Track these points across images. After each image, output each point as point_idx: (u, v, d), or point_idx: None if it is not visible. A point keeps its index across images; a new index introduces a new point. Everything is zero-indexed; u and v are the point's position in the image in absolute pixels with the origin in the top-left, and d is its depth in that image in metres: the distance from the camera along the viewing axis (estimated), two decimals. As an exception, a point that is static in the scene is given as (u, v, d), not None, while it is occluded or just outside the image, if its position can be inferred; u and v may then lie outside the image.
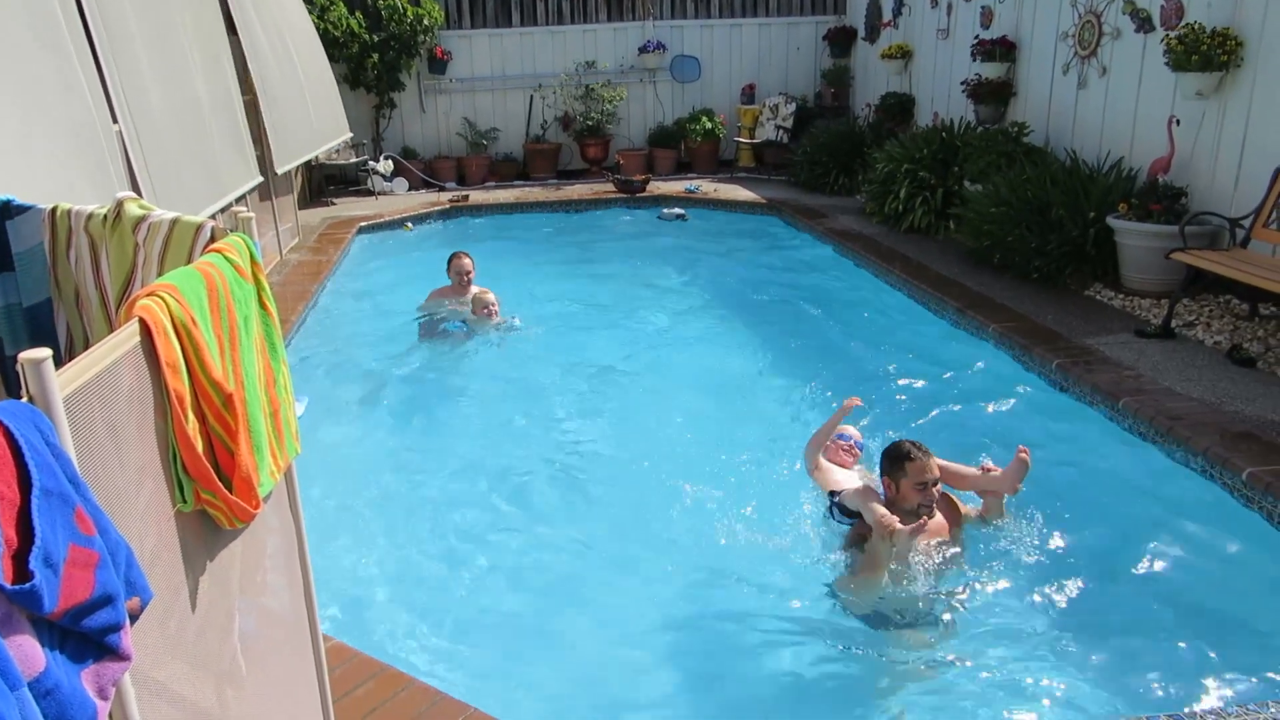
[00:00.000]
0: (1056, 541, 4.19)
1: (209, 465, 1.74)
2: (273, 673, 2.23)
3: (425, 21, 12.79)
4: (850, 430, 4.92)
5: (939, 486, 3.98)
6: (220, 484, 1.77)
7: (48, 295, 2.30)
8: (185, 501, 1.72)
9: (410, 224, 11.22)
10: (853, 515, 4.14)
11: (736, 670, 3.74)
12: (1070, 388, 5.72)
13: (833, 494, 4.31)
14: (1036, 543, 4.17)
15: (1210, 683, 3.40)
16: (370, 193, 12.66)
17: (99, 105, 4.85)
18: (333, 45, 12.10)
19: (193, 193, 6.25)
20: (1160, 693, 3.37)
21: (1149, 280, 7.07)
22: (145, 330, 1.61)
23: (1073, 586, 3.93)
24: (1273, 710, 3.01)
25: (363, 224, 10.87)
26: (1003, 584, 3.96)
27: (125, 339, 1.57)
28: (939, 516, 4.02)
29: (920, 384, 6.13)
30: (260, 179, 8.26)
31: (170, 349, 1.65)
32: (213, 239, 2.02)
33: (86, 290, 2.23)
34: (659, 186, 12.64)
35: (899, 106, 11.97)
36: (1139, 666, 3.50)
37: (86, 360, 1.46)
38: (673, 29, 14.01)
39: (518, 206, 12.07)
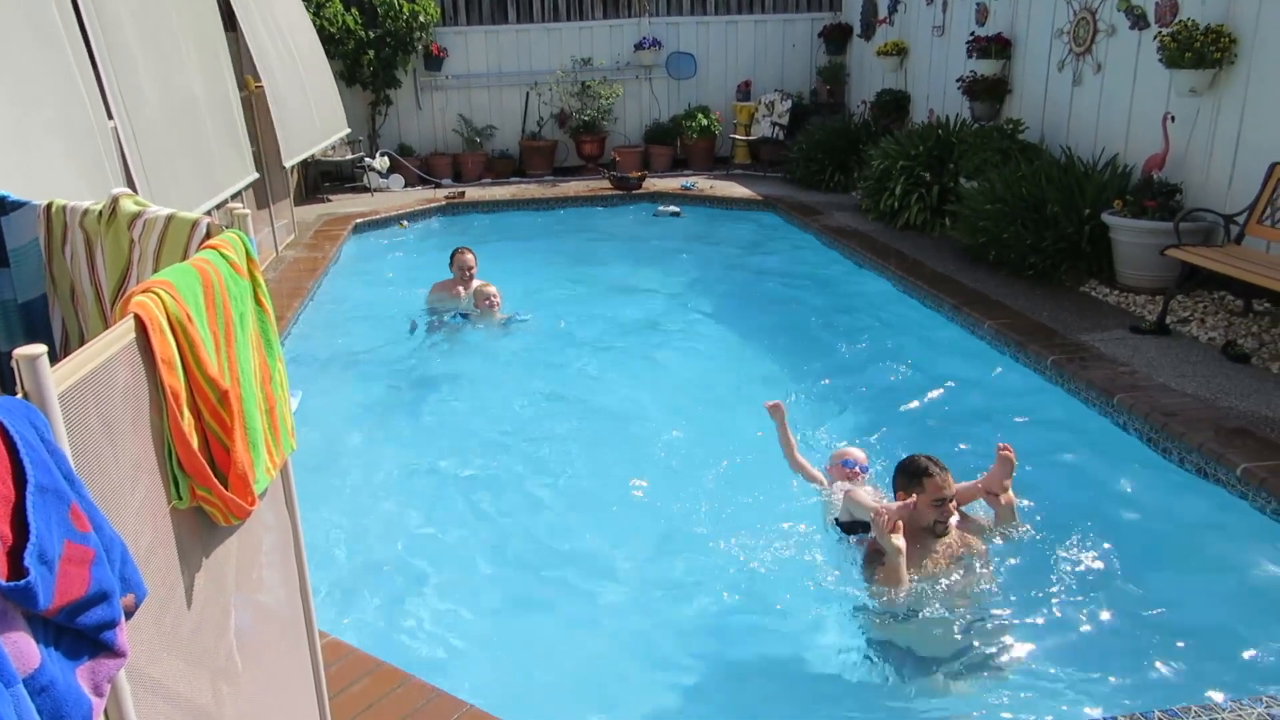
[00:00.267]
0: (1049, 538, 4.20)
1: (204, 462, 1.74)
2: (268, 669, 2.23)
3: (421, 18, 12.76)
4: (855, 455, 4.69)
5: (955, 504, 3.90)
6: (216, 480, 1.77)
7: (43, 291, 2.30)
8: (181, 498, 1.72)
9: (405, 221, 11.20)
10: (857, 529, 4.09)
11: (736, 669, 3.73)
12: (1065, 384, 5.73)
13: (836, 521, 4.25)
14: (1030, 540, 4.18)
15: (1203, 678, 3.42)
16: (366, 189, 12.64)
17: (94, 102, 4.84)
18: (328, 42, 12.07)
19: (188, 189, 6.24)
20: (1152, 688, 3.38)
21: (1144, 277, 7.08)
22: (141, 326, 1.61)
23: (1064, 583, 3.94)
24: (1266, 705, 3.02)
25: (358, 221, 10.85)
26: (999, 581, 3.97)
27: (120, 335, 1.56)
28: (954, 532, 3.95)
29: (915, 381, 6.13)
30: (257, 175, 8.25)
31: (166, 345, 1.65)
32: (208, 235, 2.02)
33: (82, 286, 2.23)
34: (655, 183, 12.63)
35: (894, 103, 11.97)
36: (1132, 663, 3.51)
37: (82, 356, 1.46)
38: (668, 26, 14.00)
39: (514, 203, 12.06)
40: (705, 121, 13.61)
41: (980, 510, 4.30)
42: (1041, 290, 7.37)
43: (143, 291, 1.65)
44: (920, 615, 3.72)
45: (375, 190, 12.61)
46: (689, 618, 4.02)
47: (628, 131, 14.16)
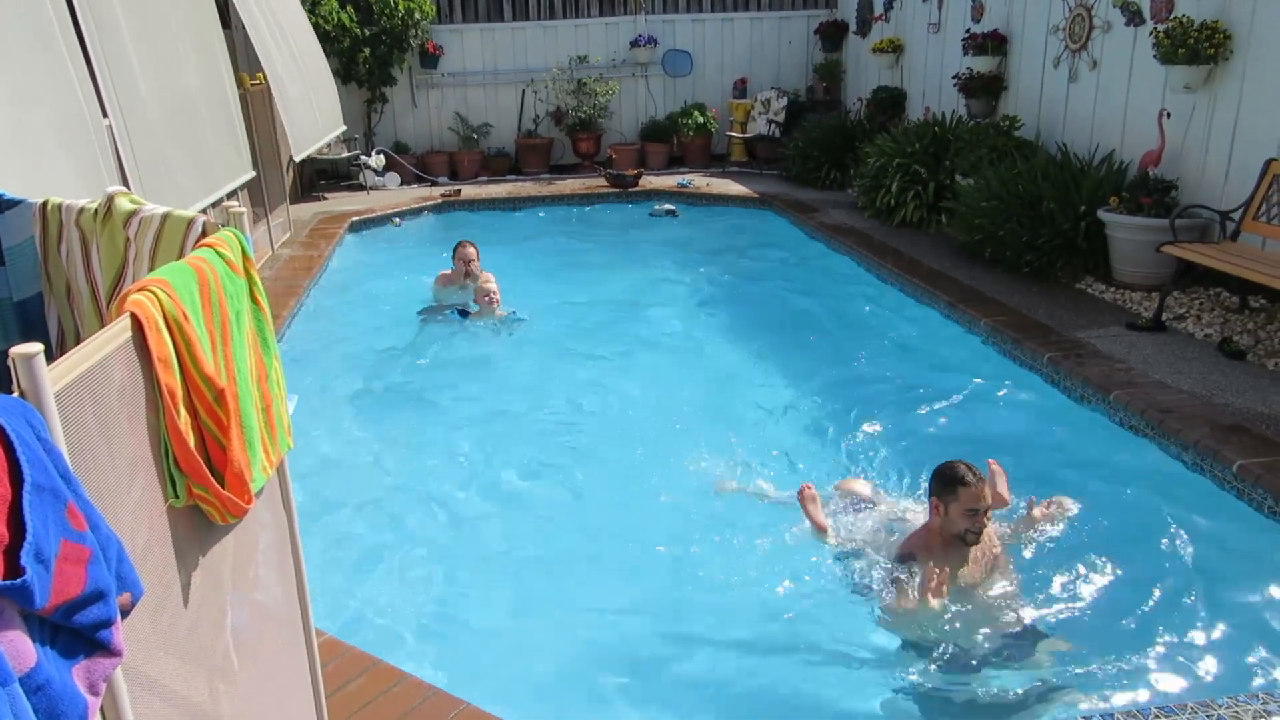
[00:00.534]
0: (1045, 534, 4.20)
1: (201, 460, 1.74)
2: (265, 668, 2.23)
3: (416, 16, 12.75)
4: (860, 490, 4.54)
5: (990, 515, 3.80)
6: (212, 479, 1.77)
7: (39, 290, 2.29)
8: (177, 497, 1.72)
9: (399, 219, 11.18)
10: (857, 553, 4.04)
11: (735, 670, 3.73)
12: (1061, 381, 5.74)
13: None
14: (1025, 537, 4.18)
15: (1199, 674, 3.43)
16: (362, 187, 12.63)
17: (89, 100, 4.83)
18: (324, 39, 12.04)
19: (184, 187, 6.23)
20: (1149, 685, 3.38)
21: (1140, 273, 7.09)
22: (137, 325, 1.61)
23: (1057, 581, 3.94)
24: (1262, 701, 3.03)
25: (354, 219, 10.84)
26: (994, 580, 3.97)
27: (117, 334, 1.56)
28: (990, 540, 3.90)
29: (911, 379, 6.14)
30: (254, 173, 8.24)
31: (162, 344, 1.64)
32: (204, 233, 2.02)
33: (78, 285, 2.23)
34: (651, 181, 12.63)
35: (890, 101, 11.97)
36: (1127, 660, 3.51)
37: (78, 355, 1.46)
38: (664, 23, 13.99)
39: (510, 201, 12.05)
40: (701, 119, 13.61)
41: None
42: (1037, 287, 7.38)
43: (139, 290, 1.65)
44: (952, 623, 3.68)
45: (371, 188, 12.59)
46: (688, 618, 4.01)
47: (624, 129, 14.15)
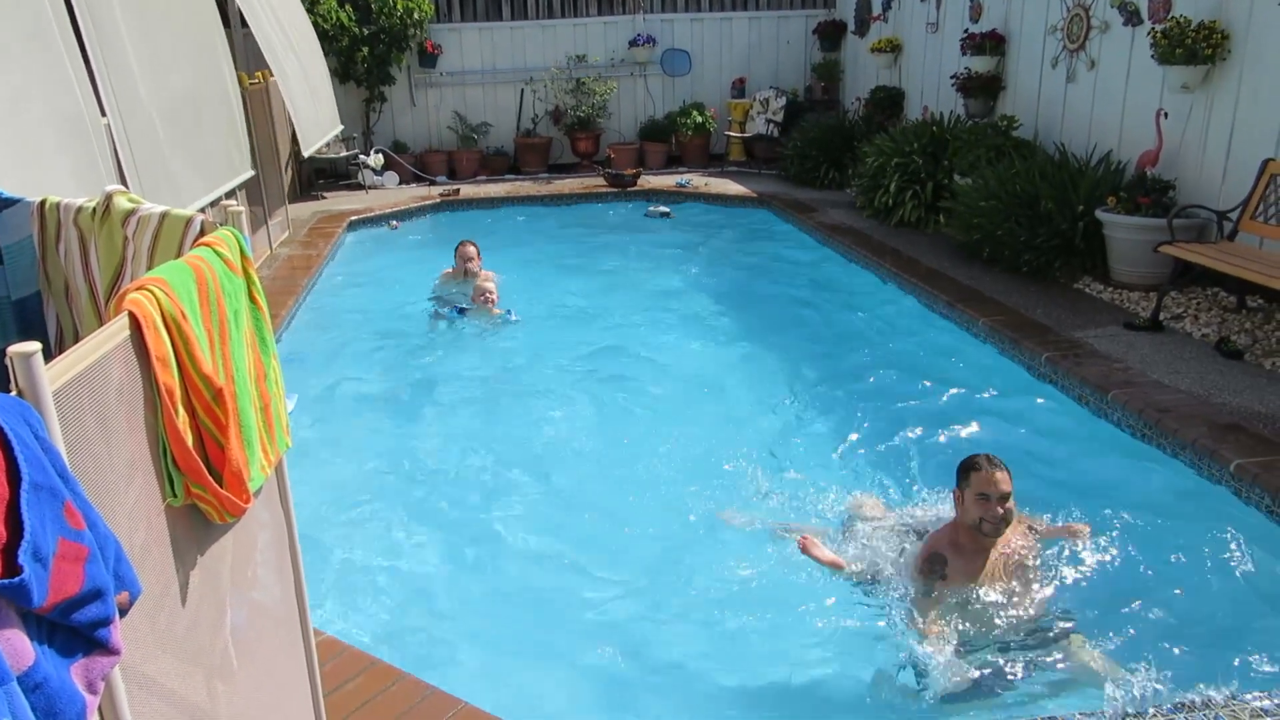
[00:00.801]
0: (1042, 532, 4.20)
1: (199, 459, 1.73)
2: (263, 667, 2.23)
3: (415, 15, 12.75)
4: (870, 509, 4.42)
5: (1008, 505, 3.70)
6: (211, 478, 1.77)
7: (37, 288, 2.29)
8: (175, 496, 1.72)
9: (396, 222, 11.17)
10: (874, 580, 3.98)
11: (734, 670, 3.73)
12: (1059, 381, 5.74)
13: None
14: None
15: (1196, 674, 3.42)
16: (361, 187, 12.62)
17: (87, 98, 4.83)
18: (322, 38, 12.03)
19: (182, 186, 6.23)
20: (1146, 685, 3.38)
21: (1137, 273, 7.09)
22: (135, 324, 1.61)
23: (1055, 580, 3.94)
24: (1260, 700, 3.03)
25: (353, 218, 10.83)
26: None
27: (115, 333, 1.56)
28: (1016, 542, 3.83)
29: (909, 378, 6.14)
30: (253, 172, 8.24)
31: (160, 343, 1.64)
32: (202, 232, 2.02)
33: (76, 284, 2.23)
34: (649, 180, 12.63)
35: (889, 100, 11.98)
36: (1125, 660, 3.51)
37: (76, 354, 1.46)
38: (663, 23, 13.99)
39: (508, 201, 12.05)
40: (700, 118, 13.61)
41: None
42: (1035, 287, 7.38)
43: (137, 289, 1.65)
44: (961, 622, 3.67)
45: (370, 187, 12.59)
46: (688, 618, 4.02)
47: (622, 129, 14.15)
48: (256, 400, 2.01)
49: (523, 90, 13.75)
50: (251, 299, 2.04)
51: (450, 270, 8.21)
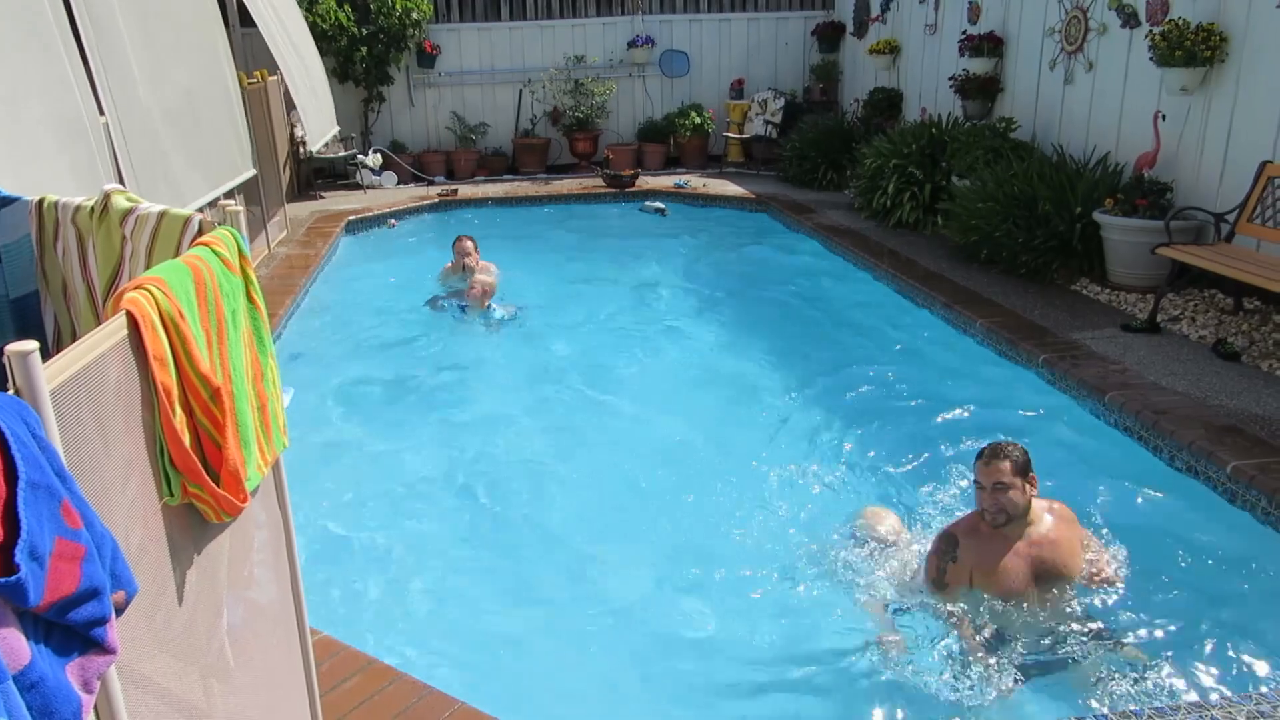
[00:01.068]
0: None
1: (196, 459, 1.73)
2: (260, 666, 2.23)
3: (414, 15, 12.75)
4: (884, 526, 4.35)
5: (1004, 496, 3.67)
6: (208, 478, 1.77)
7: (35, 287, 2.29)
8: (172, 495, 1.72)
9: (394, 220, 11.17)
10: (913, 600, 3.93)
11: (735, 670, 3.73)
12: (1057, 382, 5.75)
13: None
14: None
15: (1193, 674, 3.43)
16: (359, 186, 12.62)
17: (85, 97, 4.83)
18: (321, 38, 12.04)
19: (181, 185, 6.22)
20: (1143, 685, 3.39)
21: (1135, 275, 7.10)
22: (133, 323, 1.61)
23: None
24: (1255, 702, 3.03)
25: (351, 218, 10.83)
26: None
27: (112, 332, 1.56)
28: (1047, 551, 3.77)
29: (907, 380, 6.15)
30: (253, 171, 8.24)
31: (158, 342, 1.64)
32: (200, 232, 2.02)
33: (74, 283, 2.23)
34: (648, 181, 12.63)
35: (887, 102, 11.99)
36: (1120, 660, 3.52)
37: (74, 353, 1.46)
38: (661, 24, 14.00)
39: (506, 201, 12.05)
40: (698, 119, 13.61)
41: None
42: (1033, 288, 7.39)
43: (135, 288, 1.65)
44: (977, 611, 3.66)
45: (368, 187, 12.59)
46: (688, 618, 4.01)
47: (621, 129, 14.16)
48: (254, 400, 2.01)
49: (521, 91, 13.76)
50: (249, 299, 2.04)
51: (449, 265, 8.28)
